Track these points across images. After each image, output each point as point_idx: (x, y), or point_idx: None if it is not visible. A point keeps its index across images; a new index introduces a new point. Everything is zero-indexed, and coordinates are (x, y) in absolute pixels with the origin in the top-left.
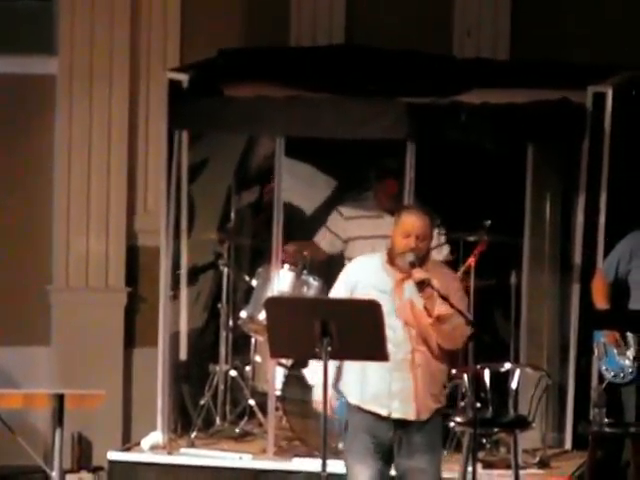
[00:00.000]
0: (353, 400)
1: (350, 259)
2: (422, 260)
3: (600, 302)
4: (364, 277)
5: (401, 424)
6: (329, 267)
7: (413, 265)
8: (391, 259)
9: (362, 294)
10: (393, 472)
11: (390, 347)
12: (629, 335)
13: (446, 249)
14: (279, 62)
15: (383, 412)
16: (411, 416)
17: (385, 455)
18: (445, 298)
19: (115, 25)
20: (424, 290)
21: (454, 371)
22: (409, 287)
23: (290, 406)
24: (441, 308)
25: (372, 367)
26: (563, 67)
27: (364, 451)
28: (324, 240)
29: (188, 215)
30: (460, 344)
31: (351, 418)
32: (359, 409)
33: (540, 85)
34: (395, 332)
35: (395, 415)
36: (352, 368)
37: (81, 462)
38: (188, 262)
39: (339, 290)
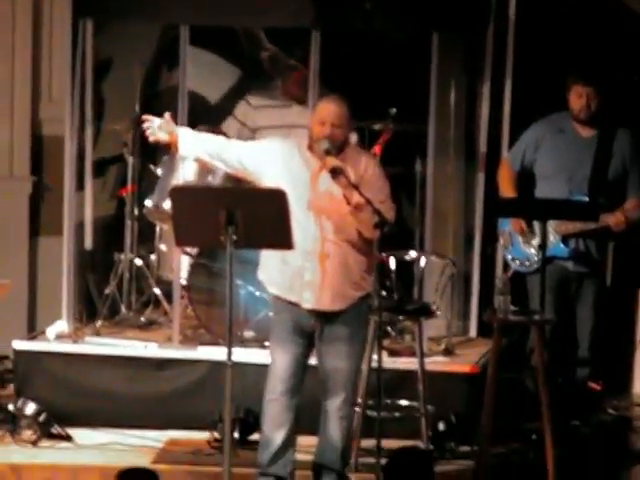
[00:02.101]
0: (272, 289)
1: None
2: (339, 149)
3: (507, 191)
4: (282, 159)
5: (321, 313)
6: None
7: (328, 152)
8: (311, 145)
9: (275, 182)
10: (314, 361)
11: (301, 237)
12: (535, 223)
13: (353, 137)
14: None
15: (297, 300)
16: (324, 306)
17: (305, 341)
18: (356, 187)
19: None
20: (338, 178)
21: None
22: (325, 177)
23: (195, 295)
24: (360, 197)
25: (289, 258)
26: None
27: (285, 336)
28: (231, 129)
29: (95, 104)
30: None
31: (274, 305)
32: (279, 298)
33: None
34: (307, 222)
35: (307, 305)
36: (271, 257)
37: None
38: (95, 152)
39: (252, 145)
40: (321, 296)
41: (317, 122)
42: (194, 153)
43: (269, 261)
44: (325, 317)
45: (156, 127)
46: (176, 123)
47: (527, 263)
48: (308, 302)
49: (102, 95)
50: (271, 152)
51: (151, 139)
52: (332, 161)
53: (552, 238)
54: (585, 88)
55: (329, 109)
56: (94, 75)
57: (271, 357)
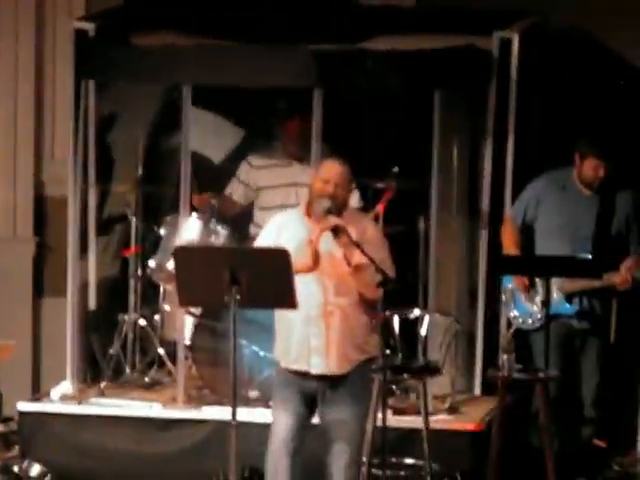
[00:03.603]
0: (283, 363)
1: (261, 208)
2: (339, 209)
3: (509, 248)
4: (285, 232)
5: (324, 377)
6: (238, 216)
7: (329, 211)
8: (309, 210)
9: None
10: (317, 420)
11: (304, 302)
12: (537, 281)
13: (356, 195)
14: (186, 10)
15: (304, 369)
16: (331, 370)
17: (308, 403)
18: (358, 245)
19: None
20: (339, 237)
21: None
22: (326, 239)
23: (199, 355)
24: (361, 257)
25: (295, 326)
26: (469, 13)
27: (287, 400)
28: (237, 192)
29: (97, 165)
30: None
31: (278, 373)
32: (287, 369)
33: (446, 31)
34: (309, 286)
35: (315, 371)
36: (279, 333)
37: None
38: (98, 212)
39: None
40: (328, 360)
41: (321, 180)
42: None
43: (277, 336)
44: (329, 380)
45: None
46: (179, 184)
47: (530, 320)
48: (316, 367)
49: (105, 155)
50: (275, 234)
51: None
52: (334, 220)
53: (556, 296)
54: (601, 162)
55: (334, 168)
56: (97, 136)
57: (273, 417)
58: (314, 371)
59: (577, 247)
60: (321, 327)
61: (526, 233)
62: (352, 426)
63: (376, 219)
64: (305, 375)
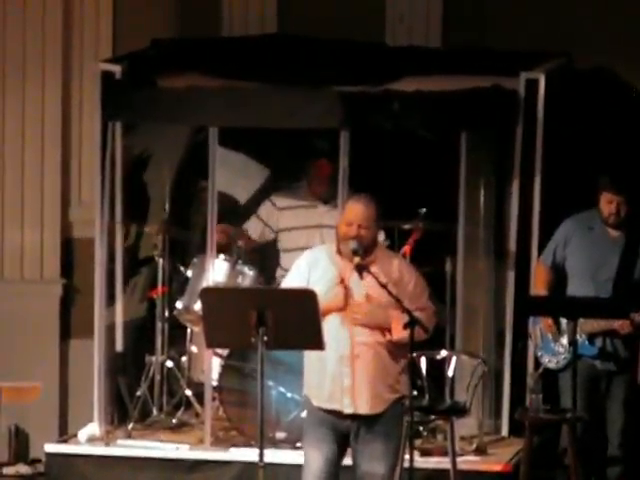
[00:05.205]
0: (314, 401)
1: (285, 250)
2: (367, 249)
3: (539, 289)
4: (314, 271)
5: (357, 416)
6: (263, 257)
7: (356, 253)
8: (339, 249)
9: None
10: (349, 460)
11: (335, 342)
12: (562, 321)
13: (381, 235)
14: (212, 52)
15: (337, 408)
16: (363, 410)
17: (341, 442)
18: (384, 286)
19: (47, 16)
20: (364, 276)
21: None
22: (359, 282)
23: (227, 396)
24: (404, 334)
25: (329, 364)
26: (495, 54)
27: (320, 440)
28: (254, 229)
29: (124, 206)
30: (430, 330)
31: (309, 412)
32: (319, 408)
33: (473, 72)
34: (340, 326)
35: (347, 411)
36: (311, 370)
37: (18, 455)
38: (125, 253)
39: (292, 283)
40: (360, 401)
41: (344, 223)
42: None
43: (308, 374)
44: (362, 419)
45: None
46: (206, 225)
47: (556, 360)
48: (349, 407)
49: (131, 197)
50: (305, 271)
51: None
52: (357, 260)
53: (578, 337)
54: (615, 196)
55: (356, 210)
56: (123, 177)
57: (305, 458)
58: (347, 410)
59: (598, 288)
60: (352, 367)
61: (558, 274)
62: (383, 467)
63: None
64: (338, 414)
